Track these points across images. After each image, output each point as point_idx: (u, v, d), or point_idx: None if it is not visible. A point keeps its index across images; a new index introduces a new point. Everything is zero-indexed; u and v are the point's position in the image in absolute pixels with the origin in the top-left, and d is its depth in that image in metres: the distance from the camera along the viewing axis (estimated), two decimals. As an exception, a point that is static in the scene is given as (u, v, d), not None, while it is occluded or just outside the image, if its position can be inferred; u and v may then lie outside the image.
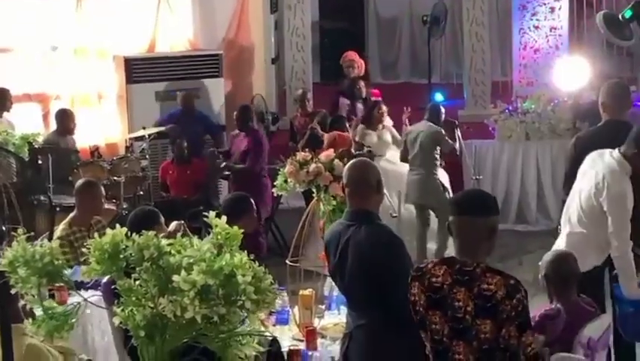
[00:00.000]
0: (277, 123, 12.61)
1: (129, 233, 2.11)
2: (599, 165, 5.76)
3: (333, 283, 6.05)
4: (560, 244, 5.91)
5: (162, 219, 6.05)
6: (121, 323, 2.09)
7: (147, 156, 10.35)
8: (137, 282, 2.10)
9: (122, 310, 2.09)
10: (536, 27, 12.61)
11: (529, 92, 12.01)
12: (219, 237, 2.15)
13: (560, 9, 12.73)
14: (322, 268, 6.12)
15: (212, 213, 2.16)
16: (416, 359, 4.36)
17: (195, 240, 2.13)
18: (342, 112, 10.96)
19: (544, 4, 12.70)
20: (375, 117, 10.20)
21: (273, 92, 13.55)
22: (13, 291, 2.00)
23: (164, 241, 2.10)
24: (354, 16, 17.49)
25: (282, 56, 13.75)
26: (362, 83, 11.27)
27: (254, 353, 4.82)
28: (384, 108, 10.32)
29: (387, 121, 10.42)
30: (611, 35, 7.28)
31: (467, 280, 3.68)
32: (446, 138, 9.45)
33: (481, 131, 11.39)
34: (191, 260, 2.06)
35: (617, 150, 5.73)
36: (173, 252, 2.07)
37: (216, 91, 11.87)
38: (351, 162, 5.00)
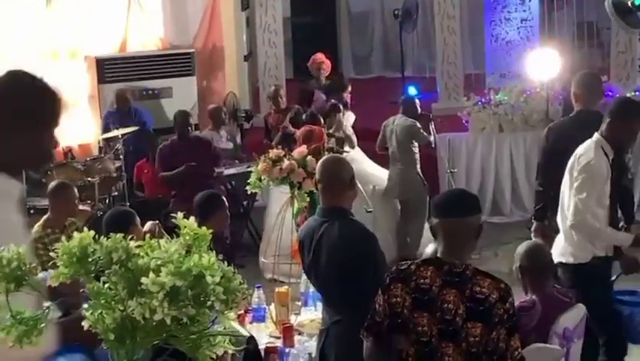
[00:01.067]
0: (251, 120, 12.60)
1: (105, 235, 2.12)
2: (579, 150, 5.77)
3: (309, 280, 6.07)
4: (560, 239, 5.90)
5: (138, 219, 6.04)
6: (90, 326, 2.09)
7: (121, 157, 10.31)
8: (106, 285, 2.10)
9: (92, 313, 2.09)
10: (507, 19, 12.68)
11: (501, 84, 12.06)
12: (187, 237, 2.16)
13: (530, 1, 12.79)
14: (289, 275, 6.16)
15: (179, 214, 2.17)
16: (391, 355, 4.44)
17: (163, 241, 2.13)
18: (316, 104, 10.91)
19: (515, -5, 12.79)
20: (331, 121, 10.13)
21: (246, 90, 13.54)
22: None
23: (132, 243, 2.10)
24: (326, 12, 17.51)
25: (255, 52, 13.73)
26: (348, 95, 11.17)
27: (230, 352, 4.82)
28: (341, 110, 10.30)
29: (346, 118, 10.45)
30: (621, 22, 7.32)
31: (458, 282, 3.67)
32: (421, 130, 9.48)
33: (454, 124, 11.43)
34: (159, 262, 2.07)
35: (596, 134, 5.74)
36: (142, 254, 2.08)
37: (189, 89, 11.87)
38: (324, 158, 5.02)
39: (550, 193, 6.53)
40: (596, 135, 5.72)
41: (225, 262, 2.00)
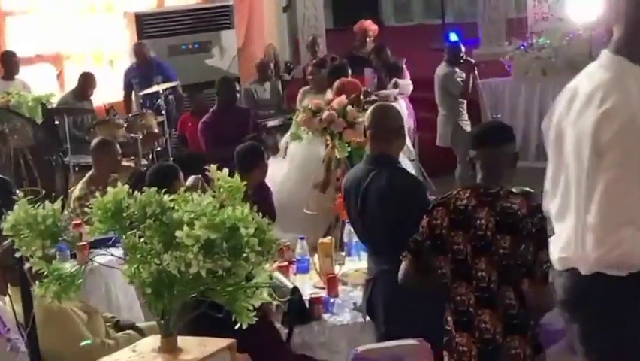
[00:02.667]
0: (292, 72, 12.54)
1: (148, 189, 2.12)
2: None
3: (352, 230, 6.06)
4: None
5: (181, 174, 6.06)
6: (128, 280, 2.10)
7: (163, 112, 10.34)
8: (142, 239, 2.10)
9: (129, 267, 2.09)
10: (549, -40, 12.41)
11: (543, 27, 11.85)
12: (221, 190, 2.14)
13: (572, -60, 12.50)
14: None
15: (213, 167, 2.15)
16: (439, 302, 4.49)
17: (195, 194, 2.12)
18: (369, 86, 10.60)
19: (557, -64, 12.49)
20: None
21: (285, 41, 13.46)
22: (17, 255, 2.01)
23: (166, 197, 2.09)
24: (365, -41, 17.29)
25: (294, 3, 13.62)
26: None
27: (275, 303, 4.84)
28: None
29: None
30: None
31: (490, 200, 3.82)
32: (456, 79, 9.40)
33: (497, 69, 11.28)
34: (193, 215, 2.06)
35: None
36: (176, 207, 2.07)
37: (229, 42, 11.83)
38: (374, 105, 4.99)
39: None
40: None
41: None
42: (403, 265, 4.08)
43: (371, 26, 11.47)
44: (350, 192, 4.78)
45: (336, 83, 8.44)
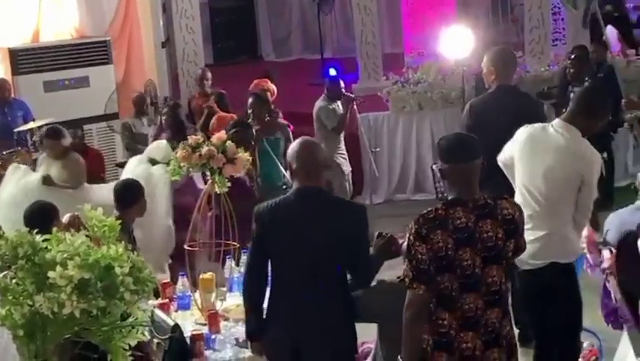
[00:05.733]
0: (171, 107, 12.44)
1: (27, 229, 2.08)
2: (550, 144, 5.22)
3: (233, 265, 6.05)
4: (551, 240, 5.31)
5: (59, 213, 5.95)
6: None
7: (39, 149, 10.13)
8: (14, 280, 2.06)
9: (1, 309, 2.05)
10: (423, -3, 12.74)
11: (419, 62, 12.12)
12: (95, 229, 2.13)
13: (445, -22, 12.88)
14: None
15: (86, 206, 2.13)
16: None
17: (68, 234, 2.10)
18: None
19: (430, -27, 12.85)
20: None
21: (165, 76, 13.39)
22: None
23: (38, 237, 2.06)
24: (243, -5, 17.41)
25: (172, 39, 13.59)
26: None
27: (155, 341, 4.78)
28: None
29: None
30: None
31: (489, 213, 4.15)
32: (329, 113, 9.49)
33: (375, 103, 11.46)
34: (66, 255, 2.04)
35: (558, 120, 5.27)
36: (49, 247, 2.04)
37: (106, 78, 11.70)
38: (299, 141, 4.89)
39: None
40: (563, 124, 5.21)
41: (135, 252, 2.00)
42: (416, 296, 4.14)
43: (268, 85, 11.33)
44: (276, 224, 4.69)
45: (212, 120, 8.41)
